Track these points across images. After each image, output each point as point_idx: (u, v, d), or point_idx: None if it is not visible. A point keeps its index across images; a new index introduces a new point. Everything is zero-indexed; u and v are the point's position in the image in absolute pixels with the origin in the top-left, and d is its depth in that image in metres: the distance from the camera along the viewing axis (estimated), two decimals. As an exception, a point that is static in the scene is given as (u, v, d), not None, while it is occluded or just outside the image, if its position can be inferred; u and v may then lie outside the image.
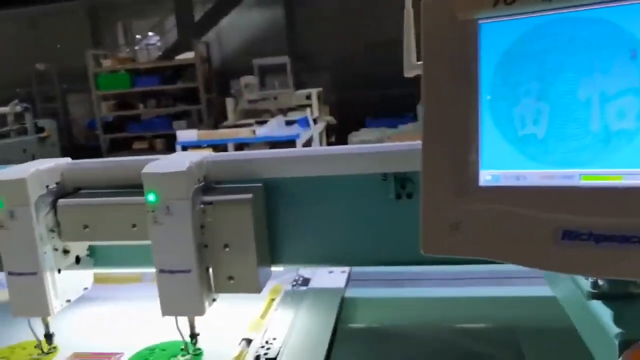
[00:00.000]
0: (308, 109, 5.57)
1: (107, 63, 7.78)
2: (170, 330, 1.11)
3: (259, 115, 6.30)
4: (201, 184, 0.97)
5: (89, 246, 1.13)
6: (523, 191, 0.70)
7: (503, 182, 0.71)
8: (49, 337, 1.08)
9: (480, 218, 0.70)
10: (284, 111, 6.10)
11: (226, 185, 1.01)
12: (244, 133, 4.52)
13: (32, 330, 1.06)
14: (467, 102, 0.72)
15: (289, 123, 4.86)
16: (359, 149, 1.00)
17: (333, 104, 7.25)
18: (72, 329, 1.13)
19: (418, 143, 0.77)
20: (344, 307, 1.16)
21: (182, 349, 1.04)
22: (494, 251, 0.70)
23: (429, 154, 0.74)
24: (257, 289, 1.00)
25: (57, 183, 1.04)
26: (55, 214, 1.02)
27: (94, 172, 1.06)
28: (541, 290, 1.15)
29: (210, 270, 0.99)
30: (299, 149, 1.03)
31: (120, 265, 1.17)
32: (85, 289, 1.11)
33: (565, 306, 1.04)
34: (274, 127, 4.62)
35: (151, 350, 1.06)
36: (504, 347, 1.04)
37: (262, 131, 4.47)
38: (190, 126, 7.36)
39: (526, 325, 1.08)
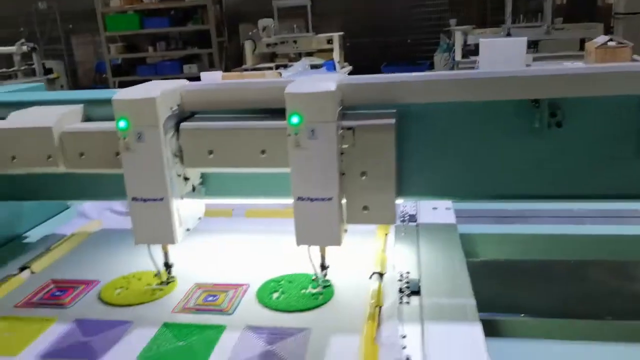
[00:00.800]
0: (334, 52, 5.40)
1: (115, 3, 7.49)
2: (290, 263, 1.07)
3: (276, 60, 6.13)
4: (340, 108, 0.91)
5: (202, 174, 1.07)
6: None
7: None
8: (168, 266, 1.03)
9: None
10: (301, 56, 5.94)
11: (362, 111, 0.94)
12: (269, 76, 4.39)
13: (152, 258, 1.01)
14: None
15: (314, 67, 4.72)
16: (507, 72, 0.92)
17: (347, 50, 7.06)
18: (189, 259, 1.08)
19: (571, 67, 0.70)
20: (464, 242, 1.12)
21: (313, 280, 1.00)
22: None
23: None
24: (393, 220, 0.95)
25: (178, 105, 0.97)
26: (178, 138, 0.95)
27: (216, 94, 0.98)
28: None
29: (344, 200, 0.94)
30: (441, 73, 0.95)
31: (232, 194, 1.11)
32: (200, 218, 1.06)
33: None
34: (300, 71, 4.49)
35: (277, 282, 1.02)
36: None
37: (288, 75, 4.34)
38: (201, 69, 7.16)
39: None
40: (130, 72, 7.69)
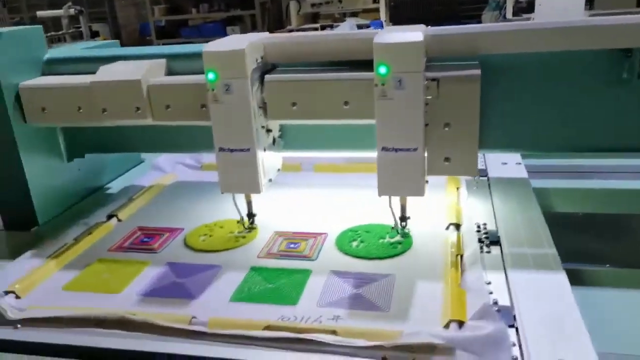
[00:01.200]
0: (380, 11, 5.30)
1: (157, -36, 7.51)
2: (364, 215, 1.10)
3: (319, 20, 6.06)
4: (424, 59, 0.91)
5: (280, 127, 1.10)
6: None
7: None
8: (251, 215, 1.07)
9: None
10: (344, 15, 5.85)
11: (445, 63, 0.94)
12: (316, 36, 4.35)
13: (236, 206, 1.05)
14: None
15: (360, 27, 4.65)
16: (598, 21, 0.90)
17: (392, 9, 6.89)
18: (266, 209, 1.12)
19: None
20: (538, 196, 1.12)
21: (392, 229, 1.02)
22: None
23: None
24: (474, 172, 0.96)
25: (261, 58, 0.99)
26: (262, 90, 0.98)
27: (299, 46, 1.00)
28: None
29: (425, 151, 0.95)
30: (527, 22, 0.94)
31: (308, 148, 1.14)
32: (278, 170, 1.09)
33: None
34: (348, 31, 4.44)
35: (355, 231, 1.05)
36: None
37: (335, 34, 4.28)
38: (244, 31, 7.16)
39: None
40: (174, 34, 7.74)
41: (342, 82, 0.95)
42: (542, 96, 0.99)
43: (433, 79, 0.90)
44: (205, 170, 1.46)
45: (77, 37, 6.87)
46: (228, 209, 1.15)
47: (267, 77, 0.97)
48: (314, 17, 6.27)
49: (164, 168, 1.44)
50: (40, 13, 6.69)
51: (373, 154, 1.31)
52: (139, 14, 8.95)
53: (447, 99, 0.91)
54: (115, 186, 1.37)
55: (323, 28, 5.38)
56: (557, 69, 0.97)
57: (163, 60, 1.09)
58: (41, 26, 1.17)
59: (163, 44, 7.79)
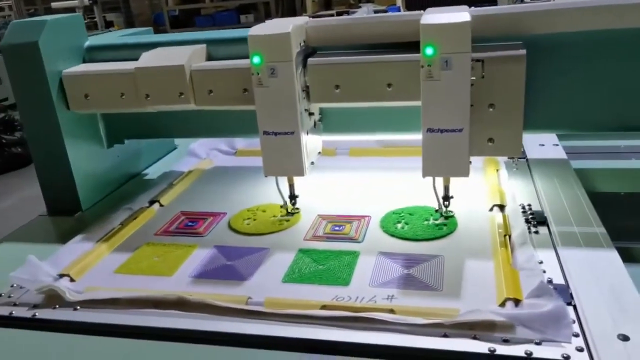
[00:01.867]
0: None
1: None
2: (406, 197, 1.10)
3: (333, 7, 6.04)
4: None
5: (320, 110, 1.11)
6: None
7: None
8: (293, 198, 1.08)
9: None
10: (359, 1, 5.82)
11: (489, 44, 0.94)
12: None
13: (279, 190, 1.06)
14: None
15: (377, 12, 4.63)
16: (645, -2, 0.89)
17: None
18: (307, 192, 1.13)
19: None
20: (579, 176, 1.11)
21: (436, 211, 1.03)
22: None
23: None
24: (519, 152, 0.96)
25: (304, 41, 0.99)
26: (305, 74, 0.98)
27: (341, 29, 1.00)
28: None
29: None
30: (570, 1, 0.93)
31: (348, 131, 1.15)
32: (319, 153, 1.10)
33: None
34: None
35: (398, 214, 1.05)
36: None
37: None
38: (257, 20, 7.14)
39: None
40: (187, 23, 7.74)
41: (385, 64, 0.95)
42: (588, 76, 0.98)
43: (478, 60, 0.90)
44: (239, 156, 1.47)
45: (92, 27, 6.89)
46: (267, 194, 1.17)
47: (310, 60, 0.98)
48: (327, 4, 6.25)
49: (199, 154, 1.45)
50: (54, 4, 6.72)
51: (409, 137, 1.32)
52: (152, 4, 8.95)
53: (492, 80, 0.91)
54: (152, 172, 1.39)
55: (339, 14, 5.36)
56: (603, 48, 0.96)
57: (203, 46, 1.09)
58: (81, 14, 1.18)
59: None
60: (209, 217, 1.12)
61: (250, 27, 0.96)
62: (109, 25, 7.13)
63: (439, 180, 1.00)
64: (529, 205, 1.01)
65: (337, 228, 1.03)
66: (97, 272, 0.95)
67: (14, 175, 4.16)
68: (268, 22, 0.99)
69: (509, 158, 1.22)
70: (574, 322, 0.70)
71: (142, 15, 9.42)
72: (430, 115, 0.90)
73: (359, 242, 0.97)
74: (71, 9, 6.56)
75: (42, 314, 0.83)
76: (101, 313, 0.82)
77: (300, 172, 1.00)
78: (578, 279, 0.78)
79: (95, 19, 7.08)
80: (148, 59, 1.06)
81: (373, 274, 0.87)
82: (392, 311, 0.75)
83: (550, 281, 0.78)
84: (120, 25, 7.25)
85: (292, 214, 1.09)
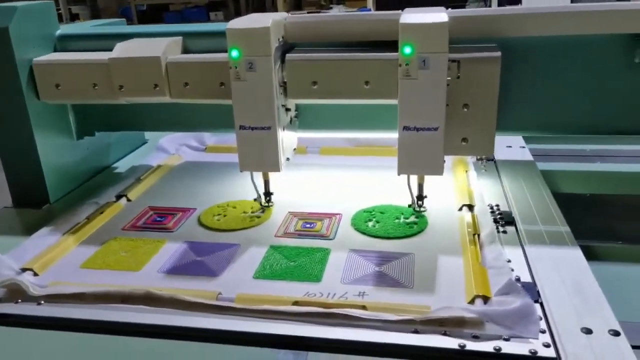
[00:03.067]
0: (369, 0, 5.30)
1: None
2: (375, 196, 1.11)
3: (304, 7, 6.03)
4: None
5: (296, 107, 1.10)
6: None
7: None
8: (268, 195, 1.08)
9: None
10: (330, 2, 5.84)
11: (464, 45, 0.96)
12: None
13: (254, 185, 1.06)
14: None
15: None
16: (613, 5, 0.92)
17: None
18: (280, 189, 1.12)
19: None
20: (545, 178, 1.14)
21: (409, 206, 1.04)
22: None
23: None
24: (491, 152, 0.98)
25: (282, 37, 0.99)
26: (282, 69, 0.98)
27: (320, 26, 1.00)
28: None
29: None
30: (547, 6, 0.95)
31: (323, 128, 1.15)
32: (294, 149, 1.10)
33: None
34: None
35: (369, 212, 1.06)
36: None
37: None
38: (227, 17, 7.08)
39: None
40: (156, 19, 7.61)
41: (363, 61, 0.96)
42: (558, 79, 1.01)
43: (454, 60, 0.92)
44: (209, 152, 1.45)
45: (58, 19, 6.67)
46: (238, 191, 1.16)
47: (288, 56, 0.97)
48: (298, 5, 6.24)
49: (168, 149, 1.43)
50: (18, -6, 6.49)
51: (381, 135, 1.33)
52: (119, -2, 8.77)
53: (467, 80, 0.93)
54: (121, 166, 1.36)
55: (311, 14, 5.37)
56: (573, 53, 0.99)
57: (179, 38, 1.08)
58: (53, 2, 1.15)
59: (145, 28, 7.66)
60: (178, 213, 1.10)
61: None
62: (74, 18, 6.95)
63: (414, 179, 1.02)
64: (497, 205, 1.03)
65: (308, 225, 1.03)
66: (62, 266, 0.93)
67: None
68: (246, 16, 0.99)
69: (477, 159, 1.25)
70: (540, 318, 0.71)
71: (109, 9, 9.21)
72: (406, 113, 0.91)
73: (330, 239, 0.97)
74: (35, -1, 6.37)
75: (4, 308, 0.81)
76: (66, 308, 0.80)
77: (276, 168, 0.99)
78: (544, 277, 0.80)
79: (60, 11, 6.88)
80: (123, 49, 1.04)
81: (344, 271, 0.87)
82: (364, 307, 0.75)
83: (518, 279, 0.80)
84: (86, 18, 7.07)
85: (264, 210, 1.08)
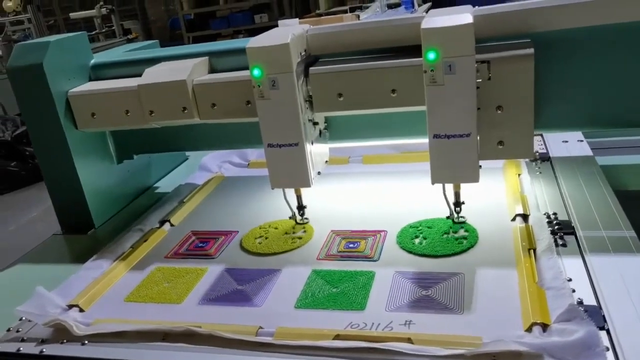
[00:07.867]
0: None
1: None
2: (423, 208, 1.05)
3: (348, 3, 5.95)
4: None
5: (326, 119, 1.06)
6: None
7: None
8: (301, 208, 1.05)
9: None
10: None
11: (494, 44, 0.88)
12: (347, 19, 4.24)
13: (287, 202, 1.03)
14: None
15: (391, 6, 4.53)
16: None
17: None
18: (318, 203, 1.09)
19: None
20: (606, 174, 1.05)
21: (447, 217, 0.97)
22: None
23: None
24: (531, 154, 0.90)
25: (305, 50, 0.95)
26: (307, 83, 0.94)
27: (342, 36, 0.96)
28: None
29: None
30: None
31: (356, 137, 1.10)
32: (326, 162, 1.06)
33: None
34: (379, 12, 4.31)
35: (416, 227, 1.00)
36: None
37: (366, 17, 4.17)
38: (272, 19, 7.11)
39: None
40: (203, 26, 7.76)
41: (387, 69, 0.90)
42: (599, 71, 0.91)
43: (483, 61, 0.85)
44: (252, 168, 1.43)
45: (110, 35, 6.94)
46: (280, 206, 1.13)
47: (312, 69, 0.93)
48: (341, 0, 6.16)
49: (210, 168, 1.42)
50: (73, 15, 6.78)
51: (424, 141, 1.26)
52: (168, 9, 9.01)
53: (499, 81, 0.85)
54: (163, 185, 1.37)
55: (352, 10, 5.27)
56: (614, 43, 0.89)
57: (206, 59, 1.06)
58: (85, 32, 1.17)
59: (193, 37, 7.83)
60: (220, 237, 1.08)
61: (264, 27, 0.92)
62: (126, 32, 7.17)
63: (449, 187, 0.95)
64: (555, 214, 0.95)
65: (351, 245, 0.98)
66: (107, 300, 0.93)
67: (40, 187, 4.21)
68: (268, 32, 0.95)
69: (530, 160, 1.16)
70: (607, 349, 0.64)
71: (159, 22, 9.50)
72: (435, 121, 0.85)
73: (374, 260, 0.93)
74: (89, 19, 6.62)
75: (50, 349, 0.81)
76: (109, 347, 0.79)
77: (306, 184, 0.96)
78: (610, 297, 0.72)
79: (113, 28, 7.13)
80: (150, 75, 1.04)
81: (389, 297, 0.82)
82: (409, 340, 0.70)
83: (580, 302, 0.73)
84: (138, 32, 7.28)
85: (303, 225, 1.05)
